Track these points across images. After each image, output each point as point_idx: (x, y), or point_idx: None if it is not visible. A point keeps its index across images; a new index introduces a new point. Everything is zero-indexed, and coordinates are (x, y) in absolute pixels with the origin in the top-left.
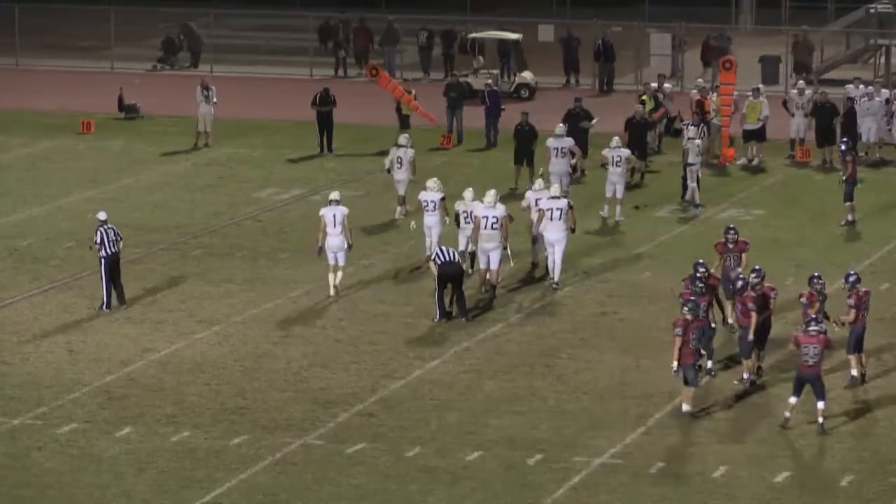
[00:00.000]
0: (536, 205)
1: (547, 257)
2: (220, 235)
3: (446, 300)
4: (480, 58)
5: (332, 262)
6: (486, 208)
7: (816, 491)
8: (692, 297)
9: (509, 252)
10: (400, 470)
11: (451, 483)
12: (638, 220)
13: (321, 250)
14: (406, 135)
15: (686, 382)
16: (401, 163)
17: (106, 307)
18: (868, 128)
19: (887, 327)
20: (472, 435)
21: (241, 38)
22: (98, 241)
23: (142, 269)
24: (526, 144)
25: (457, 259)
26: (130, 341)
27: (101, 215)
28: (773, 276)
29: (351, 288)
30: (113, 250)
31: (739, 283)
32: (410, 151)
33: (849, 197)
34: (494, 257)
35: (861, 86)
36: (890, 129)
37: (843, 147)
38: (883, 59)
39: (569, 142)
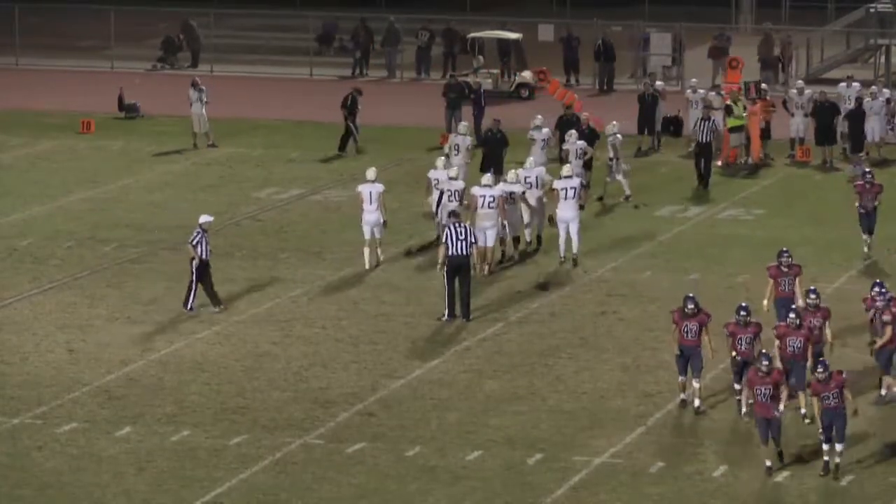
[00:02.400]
0: (525, 181)
1: (530, 232)
2: (219, 235)
3: (455, 298)
4: (480, 57)
5: (367, 235)
6: (483, 188)
7: (816, 491)
8: (765, 354)
9: (506, 229)
10: (400, 469)
11: (450, 482)
12: (637, 219)
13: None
14: (465, 123)
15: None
16: (458, 150)
17: (188, 308)
18: (871, 128)
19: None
20: (472, 434)
21: (241, 38)
22: (194, 242)
23: (142, 268)
24: (495, 151)
25: (465, 252)
26: (130, 341)
27: (203, 218)
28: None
29: (351, 287)
30: (204, 256)
31: (791, 317)
32: (468, 139)
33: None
34: (491, 235)
35: (854, 84)
36: (892, 129)
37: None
38: (883, 59)
39: (545, 133)
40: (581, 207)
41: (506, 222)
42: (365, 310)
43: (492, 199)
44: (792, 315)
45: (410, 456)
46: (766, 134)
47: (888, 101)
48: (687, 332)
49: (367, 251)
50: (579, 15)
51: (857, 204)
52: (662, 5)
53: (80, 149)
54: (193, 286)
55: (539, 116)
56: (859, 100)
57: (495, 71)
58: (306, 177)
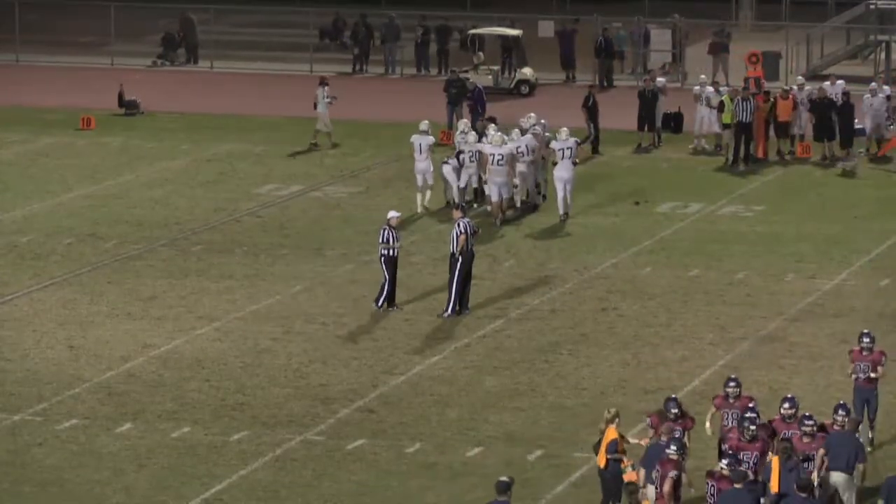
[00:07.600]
0: (517, 151)
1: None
2: (220, 231)
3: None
4: (480, 54)
5: (419, 183)
6: (494, 147)
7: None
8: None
9: (517, 184)
10: (400, 466)
11: (450, 479)
12: (637, 215)
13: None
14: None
15: None
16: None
17: (389, 305)
18: (871, 124)
19: (888, 323)
20: (472, 431)
21: (242, 35)
22: (384, 239)
23: (142, 265)
24: None
25: (469, 247)
26: (130, 337)
27: (391, 214)
28: (774, 272)
29: (351, 283)
30: (391, 253)
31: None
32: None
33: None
34: (502, 190)
35: (839, 82)
36: (891, 125)
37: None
38: (883, 55)
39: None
40: (574, 164)
41: (516, 179)
42: (365, 306)
43: (501, 157)
44: (752, 427)
45: (410, 452)
46: (782, 130)
47: (888, 97)
48: None
49: (418, 196)
50: (580, 11)
51: (849, 373)
52: (663, 1)
53: (81, 145)
54: (389, 284)
55: (532, 114)
56: (846, 95)
57: (496, 67)
58: (306, 173)
